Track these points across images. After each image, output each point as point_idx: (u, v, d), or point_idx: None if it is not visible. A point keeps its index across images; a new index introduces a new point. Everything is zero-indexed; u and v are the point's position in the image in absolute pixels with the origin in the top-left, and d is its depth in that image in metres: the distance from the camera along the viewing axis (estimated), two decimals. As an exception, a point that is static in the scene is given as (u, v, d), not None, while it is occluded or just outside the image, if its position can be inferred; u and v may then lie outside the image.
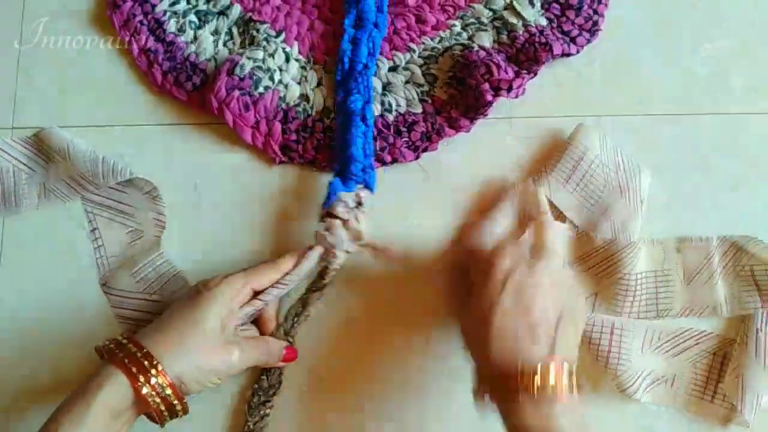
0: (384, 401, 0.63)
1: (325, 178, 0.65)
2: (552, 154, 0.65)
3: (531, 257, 0.54)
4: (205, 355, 0.54)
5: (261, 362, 0.59)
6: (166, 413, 0.53)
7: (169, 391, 0.52)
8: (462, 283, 0.60)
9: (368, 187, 0.62)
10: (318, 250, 0.60)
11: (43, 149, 0.68)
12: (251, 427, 0.61)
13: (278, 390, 0.62)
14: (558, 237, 0.62)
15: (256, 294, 0.58)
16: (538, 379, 0.48)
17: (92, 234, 0.66)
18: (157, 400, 0.52)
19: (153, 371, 0.51)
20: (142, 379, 0.51)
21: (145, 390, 0.51)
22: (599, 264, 0.63)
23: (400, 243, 0.64)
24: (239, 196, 0.67)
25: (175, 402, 0.53)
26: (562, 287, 0.54)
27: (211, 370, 0.54)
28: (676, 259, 0.63)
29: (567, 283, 0.55)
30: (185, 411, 0.54)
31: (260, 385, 0.62)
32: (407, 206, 0.66)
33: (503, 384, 0.49)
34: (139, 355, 0.52)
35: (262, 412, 0.61)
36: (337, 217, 0.59)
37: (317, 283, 0.62)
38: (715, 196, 0.66)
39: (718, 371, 0.61)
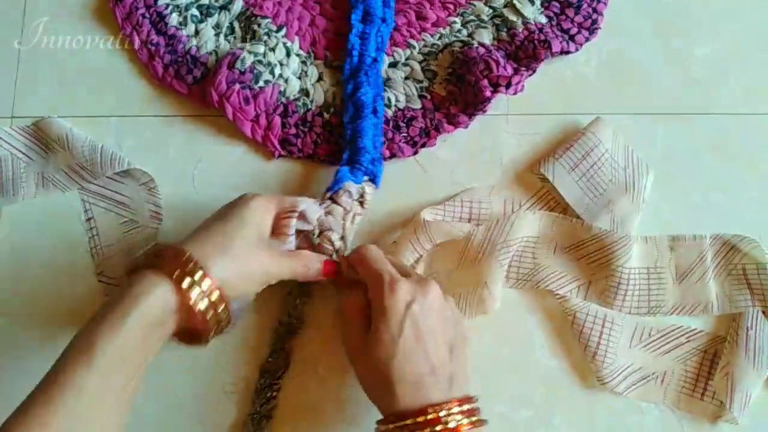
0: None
1: (324, 173, 0.66)
2: (552, 148, 0.66)
3: (422, 285, 0.54)
4: (244, 258, 0.52)
5: (299, 274, 0.56)
6: (211, 321, 0.51)
7: (216, 296, 0.50)
8: (352, 307, 0.57)
9: (374, 180, 0.63)
10: (318, 212, 0.59)
11: (41, 138, 0.68)
12: (258, 409, 0.61)
13: (285, 371, 0.62)
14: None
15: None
16: (446, 419, 0.49)
17: (88, 223, 0.66)
18: (205, 304, 0.49)
19: (198, 273, 0.49)
20: (187, 281, 0.48)
21: (190, 293, 0.48)
22: (593, 254, 0.63)
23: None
24: (237, 189, 0.64)
25: (221, 309, 0.51)
26: (448, 317, 0.54)
27: (250, 276, 0.53)
28: (669, 257, 0.64)
29: (449, 312, 0.55)
30: (229, 321, 0.52)
31: (267, 367, 0.62)
32: (404, 201, 0.66)
33: (409, 426, 0.49)
34: (182, 258, 0.49)
35: (269, 394, 0.61)
36: (340, 206, 0.60)
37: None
38: (707, 195, 0.66)
39: (708, 369, 0.62)
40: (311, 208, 0.58)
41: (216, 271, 0.50)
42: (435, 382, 0.51)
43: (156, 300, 0.48)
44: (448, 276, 0.63)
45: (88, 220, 0.66)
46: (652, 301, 0.63)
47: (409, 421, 0.49)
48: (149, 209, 0.66)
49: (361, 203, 0.62)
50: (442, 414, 0.49)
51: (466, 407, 0.50)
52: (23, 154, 0.68)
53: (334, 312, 0.64)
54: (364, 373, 0.54)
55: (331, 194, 0.60)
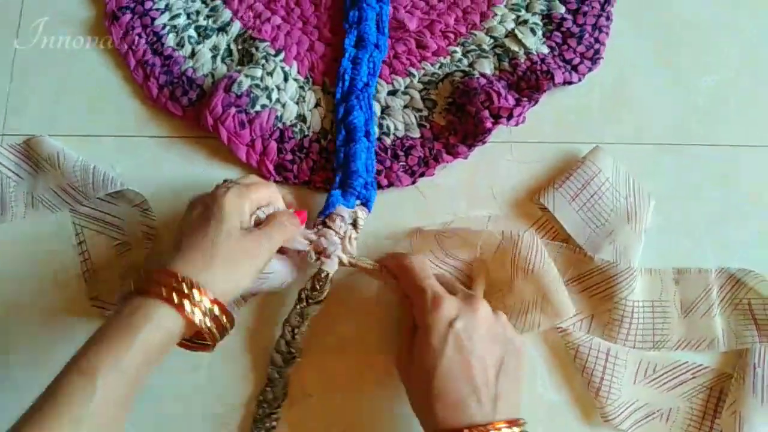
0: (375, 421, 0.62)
1: (320, 199, 0.64)
2: (553, 177, 0.65)
3: (469, 302, 0.54)
4: (233, 261, 0.52)
5: (283, 238, 0.55)
6: (216, 333, 0.51)
7: (216, 310, 0.50)
8: (404, 323, 0.58)
9: (366, 205, 0.62)
10: (309, 234, 0.58)
11: (32, 157, 0.67)
12: None
13: (283, 401, 0.61)
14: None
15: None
16: None
17: (79, 247, 0.65)
18: (208, 322, 0.50)
19: (196, 293, 0.49)
20: (187, 303, 0.48)
21: (192, 315, 0.48)
22: (596, 286, 0.62)
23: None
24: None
25: (224, 319, 0.51)
26: (497, 335, 0.53)
27: (242, 275, 0.52)
28: (674, 291, 0.63)
29: (500, 330, 0.54)
30: (232, 324, 0.52)
31: (265, 397, 0.60)
32: (402, 228, 0.65)
33: None
34: (175, 282, 0.49)
35: (267, 425, 0.60)
36: (332, 230, 0.58)
37: (312, 294, 0.59)
38: (708, 226, 0.65)
39: (714, 406, 0.60)
40: (298, 237, 0.57)
41: (211, 285, 0.50)
42: (477, 403, 0.50)
43: (159, 327, 0.48)
44: (511, 288, 0.61)
45: (80, 243, 0.65)
46: (657, 335, 0.61)
47: None
48: (142, 230, 0.65)
49: (355, 227, 0.60)
50: None
51: (516, 429, 0.49)
52: (13, 173, 0.67)
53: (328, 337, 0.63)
54: (409, 388, 0.54)
55: (323, 218, 0.59)
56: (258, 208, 0.56)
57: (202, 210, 0.54)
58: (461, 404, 0.50)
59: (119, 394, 0.46)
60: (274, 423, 0.60)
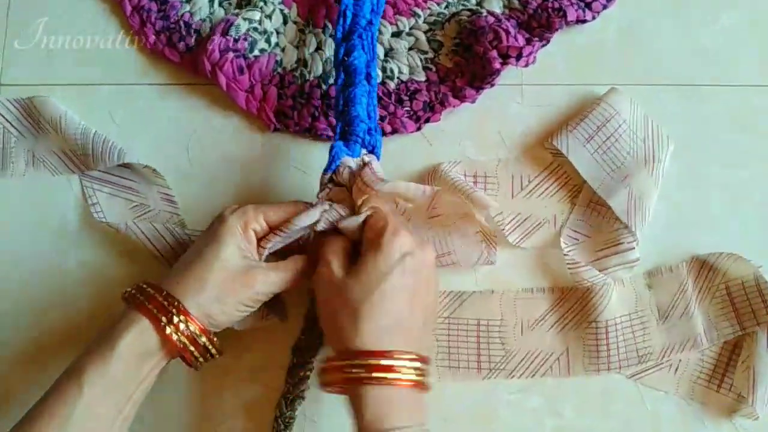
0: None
1: (323, 148, 0.63)
2: (566, 121, 0.63)
3: (420, 247, 0.52)
4: (225, 284, 0.51)
5: (292, 280, 0.54)
6: (197, 354, 0.51)
7: (195, 330, 0.50)
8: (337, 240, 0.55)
9: (374, 152, 0.58)
10: (318, 209, 0.54)
11: (34, 116, 0.65)
12: (290, 389, 0.59)
13: (318, 351, 0.60)
14: None
15: (271, 230, 0.55)
16: (401, 368, 0.48)
17: (93, 208, 0.63)
18: (184, 340, 0.50)
19: (174, 311, 0.50)
20: (164, 320, 0.49)
21: (168, 331, 0.49)
22: (566, 315, 0.61)
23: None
24: (231, 162, 0.64)
25: (205, 341, 0.51)
26: (432, 285, 0.53)
27: (235, 299, 0.52)
28: (649, 297, 0.60)
29: (434, 284, 0.54)
30: (219, 351, 0.53)
31: (298, 345, 0.60)
32: (408, 177, 0.63)
33: (362, 365, 0.48)
34: (159, 297, 0.50)
35: (301, 374, 0.59)
36: (341, 185, 0.55)
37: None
38: (725, 170, 0.63)
39: (727, 361, 0.59)
40: (306, 218, 0.54)
41: (195, 309, 0.51)
42: (404, 333, 0.50)
43: (141, 337, 0.50)
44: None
45: (93, 205, 0.63)
46: (640, 350, 0.59)
47: (362, 361, 0.48)
48: (158, 191, 0.64)
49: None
50: (398, 363, 0.48)
51: (420, 365, 0.50)
52: (14, 127, 0.65)
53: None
54: (331, 308, 0.52)
55: (330, 174, 0.55)
56: (275, 233, 0.54)
57: (207, 231, 0.55)
58: (389, 329, 0.49)
59: (108, 398, 0.48)
60: (307, 373, 0.59)
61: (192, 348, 0.51)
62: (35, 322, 0.62)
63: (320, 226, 0.53)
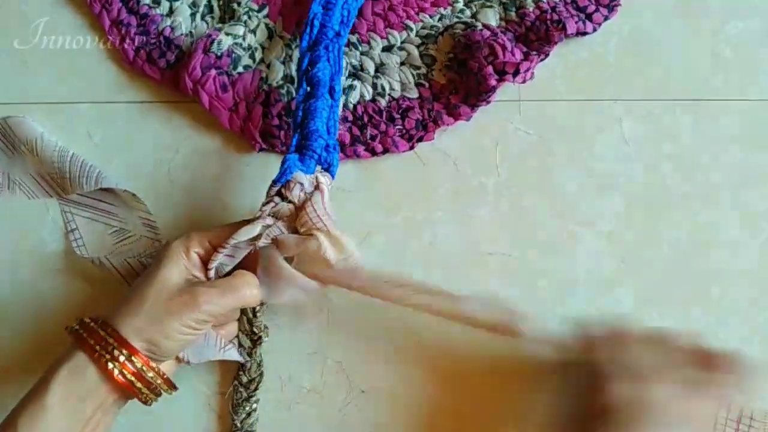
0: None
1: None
2: (566, 140, 0.61)
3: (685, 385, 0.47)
4: (164, 304, 0.49)
5: (240, 298, 0.52)
6: (145, 390, 0.49)
7: (138, 363, 0.48)
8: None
9: (329, 170, 0.55)
10: (260, 223, 0.52)
11: (8, 136, 0.62)
12: (238, 425, 0.57)
13: (260, 383, 0.58)
14: None
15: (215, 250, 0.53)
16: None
17: (72, 234, 0.61)
18: (128, 375, 0.47)
19: (112, 340, 0.47)
20: (102, 352, 0.47)
21: (110, 366, 0.47)
22: None
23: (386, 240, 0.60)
24: (215, 183, 0.61)
25: (151, 375, 0.48)
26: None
27: (177, 321, 0.49)
28: None
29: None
30: (171, 386, 0.50)
31: (240, 380, 0.58)
32: (400, 198, 0.61)
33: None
34: (94, 326, 0.48)
35: (248, 408, 0.57)
36: (289, 201, 0.52)
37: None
38: (738, 191, 0.61)
39: None
40: (245, 232, 0.51)
41: (133, 333, 0.48)
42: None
43: (77, 372, 0.47)
44: None
45: (71, 231, 0.61)
46: None
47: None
48: (140, 216, 0.61)
49: (320, 192, 0.53)
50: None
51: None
52: (-11, 147, 0.63)
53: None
54: None
55: (278, 188, 0.52)
56: (217, 250, 0.52)
57: (153, 259, 0.54)
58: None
59: None
60: (254, 406, 0.58)
61: (139, 384, 0.48)
62: (9, 345, 0.60)
63: (262, 242, 0.51)
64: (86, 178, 0.59)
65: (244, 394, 0.57)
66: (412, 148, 0.61)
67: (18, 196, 0.62)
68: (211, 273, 0.52)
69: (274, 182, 0.52)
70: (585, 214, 0.60)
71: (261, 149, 0.61)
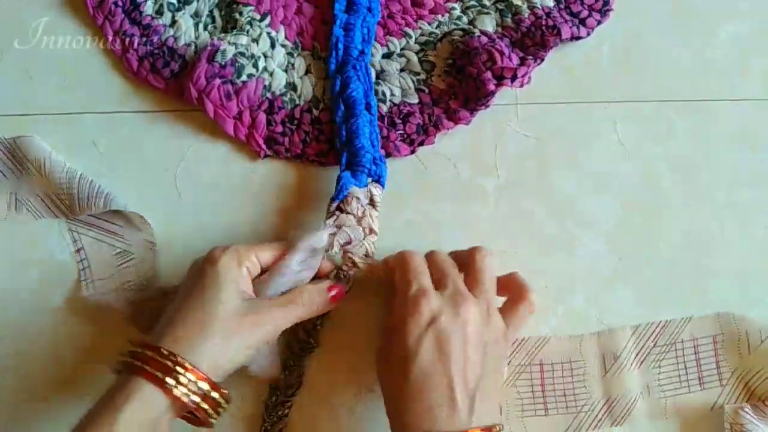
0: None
1: (316, 174, 0.62)
2: (563, 141, 0.62)
3: (455, 301, 0.49)
4: (230, 329, 0.48)
5: (303, 315, 0.52)
6: (210, 410, 0.48)
7: (205, 387, 0.47)
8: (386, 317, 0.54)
9: (379, 181, 0.58)
10: (327, 231, 0.55)
11: (17, 156, 0.63)
12: (268, 428, 0.57)
13: (298, 390, 0.58)
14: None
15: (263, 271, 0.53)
16: None
17: (78, 254, 0.61)
18: (196, 399, 0.47)
19: (180, 369, 0.46)
20: (171, 382, 0.46)
21: (177, 392, 0.46)
22: None
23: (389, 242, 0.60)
24: (221, 191, 0.62)
25: (216, 395, 0.48)
26: (482, 339, 0.49)
27: (241, 349, 0.49)
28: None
29: (493, 334, 0.50)
30: (227, 401, 0.49)
31: (279, 384, 0.58)
32: (403, 202, 0.62)
33: None
34: (159, 358, 0.47)
35: (280, 413, 0.57)
36: (350, 213, 0.55)
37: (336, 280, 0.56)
38: (731, 191, 0.62)
39: None
40: (312, 239, 0.53)
41: (200, 361, 0.47)
42: (451, 410, 0.46)
43: (142, 405, 0.46)
44: None
45: (78, 251, 0.61)
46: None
47: None
48: (143, 238, 0.61)
49: (373, 206, 0.57)
50: None
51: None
52: (-4, 167, 0.63)
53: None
54: (383, 387, 0.51)
55: (338, 203, 0.56)
56: (271, 273, 0.52)
57: (198, 276, 0.51)
58: (434, 410, 0.46)
59: None
60: (287, 411, 0.57)
61: (205, 405, 0.47)
62: (20, 362, 0.60)
63: (334, 250, 0.54)
64: (95, 199, 0.60)
65: (280, 398, 0.57)
66: (413, 152, 0.62)
67: (24, 215, 0.62)
68: (269, 293, 0.52)
69: (333, 199, 0.56)
70: (583, 215, 0.61)
71: (265, 156, 0.62)
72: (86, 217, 0.61)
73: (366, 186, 0.57)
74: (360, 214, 0.56)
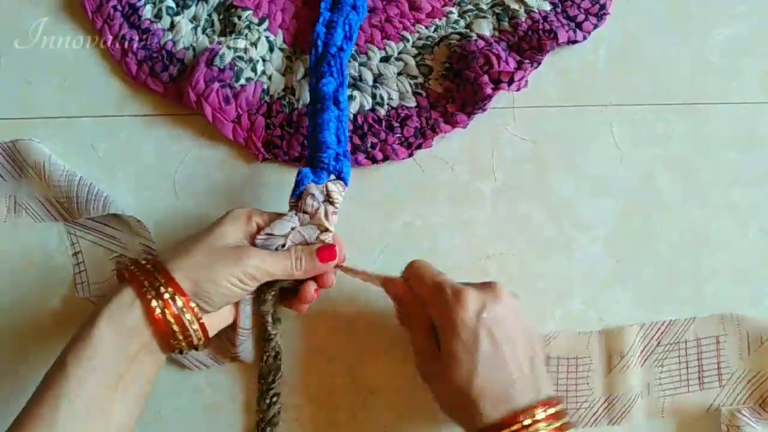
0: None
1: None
2: (560, 144, 0.63)
3: (488, 295, 0.50)
4: (216, 253, 0.50)
5: (290, 267, 0.53)
6: (179, 334, 0.49)
7: (180, 302, 0.48)
8: (417, 328, 0.54)
9: (341, 177, 0.56)
10: (289, 225, 0.54)
11: (17, 160, 0.63)
12: (262, 415, 0.58)
13: (279, 373, 0.58)
14: None
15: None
16: (534, 426, 0.47)
17: (75, 258, 0.61)
18: (167, 314, 0.48)
19: (160, 276, 0.48)
20: (146, 285, 0.48)
21: (153, 303, 0.48)
22: None
23: (386, 245, 0.61)
24: (219, 194, 0.63)
25: (189, 317, 0.49)
26: (522, 318, 0.51)
27: (226, 270, 0.50)
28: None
29: (519, 318, 0.51)
30: (204, 334, 0.50)
31: (260, 372, 0.59)
32: (400, 205, 0.62)
33: None
34: (145, 263, 0.49)
35: (268, 400, 0.58)
36: (304, 212, 0.54)
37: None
38: (728, 192, 0.62)
39: None
40: (279, 226, 0.54)
41: (180, 271, 0.49)
42: (520, 389, 0.48)
43: (123, 306, 0.48)
44: None
45: (75, 254, 0.61)
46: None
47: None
48: (140, 243, 0.61)
49: (331, 202, 0.55)
50: (527, 422, 0.47)
51: (551, 410, 0.48)
52: (-5, 171, 0.63)
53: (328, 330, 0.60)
54: (444, 395, 0.51)
55: (294, 200, 0.55)
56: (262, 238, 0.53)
57: (208, 226, 0.54)
58: (505, 395, 0.48)
59: (95, 376, 0.46)
60: (274, 398, 0.58)
61: (176, 327, 0.48)
62: (19, 364, 0.60)
63: (288, 242, 0.53)
64: (94, 202, 0.60)
65: (265, 387, 0.59)
66: (411, 155, 0.62)
67: (24, 219, 0.63)
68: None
69: (291, 195, 0.55)
70: (580, 217, 0.62)
71: (264, 159, 0.62)
72: (85, 220, 0.61)
73: (323, 183, 0.55)
74: (313, 211, 0.54)
